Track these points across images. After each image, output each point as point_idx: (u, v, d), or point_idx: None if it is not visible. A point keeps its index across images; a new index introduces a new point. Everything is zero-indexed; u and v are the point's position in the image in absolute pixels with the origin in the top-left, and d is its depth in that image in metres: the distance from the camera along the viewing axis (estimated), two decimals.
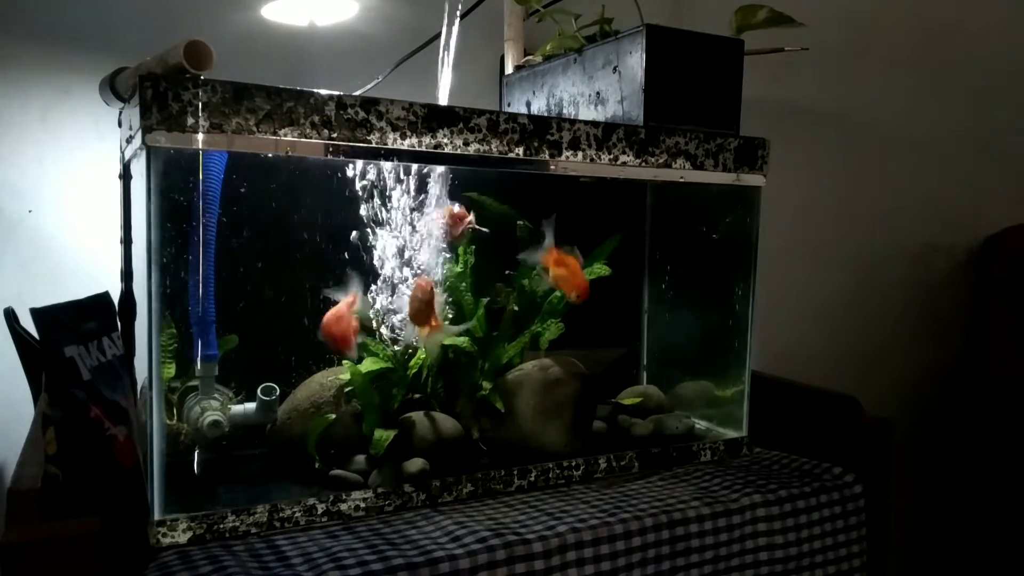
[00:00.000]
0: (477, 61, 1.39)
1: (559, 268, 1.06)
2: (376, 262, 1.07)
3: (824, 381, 1.22)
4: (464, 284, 1.10)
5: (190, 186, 0.92)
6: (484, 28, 1.30)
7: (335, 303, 0.97)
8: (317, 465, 0.97)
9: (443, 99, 1.12)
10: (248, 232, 1.03)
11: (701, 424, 1.22)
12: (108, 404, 0.79)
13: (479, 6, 1.26)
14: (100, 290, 0.86)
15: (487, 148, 0.93)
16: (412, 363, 1.05)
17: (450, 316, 1.08)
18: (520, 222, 1.15)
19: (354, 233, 1.05)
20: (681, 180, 1.06)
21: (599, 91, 1.11)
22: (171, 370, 0.97)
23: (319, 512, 0.88)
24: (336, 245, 1.08)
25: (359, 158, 0.87)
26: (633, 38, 1.05)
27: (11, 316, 0.90)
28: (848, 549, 1.03)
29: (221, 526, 0.83)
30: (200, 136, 0.78)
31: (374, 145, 0.87)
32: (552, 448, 1.05)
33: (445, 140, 0.90)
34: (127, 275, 1.02)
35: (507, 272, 1.15)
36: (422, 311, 0.98)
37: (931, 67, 1.90)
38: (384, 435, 0.97)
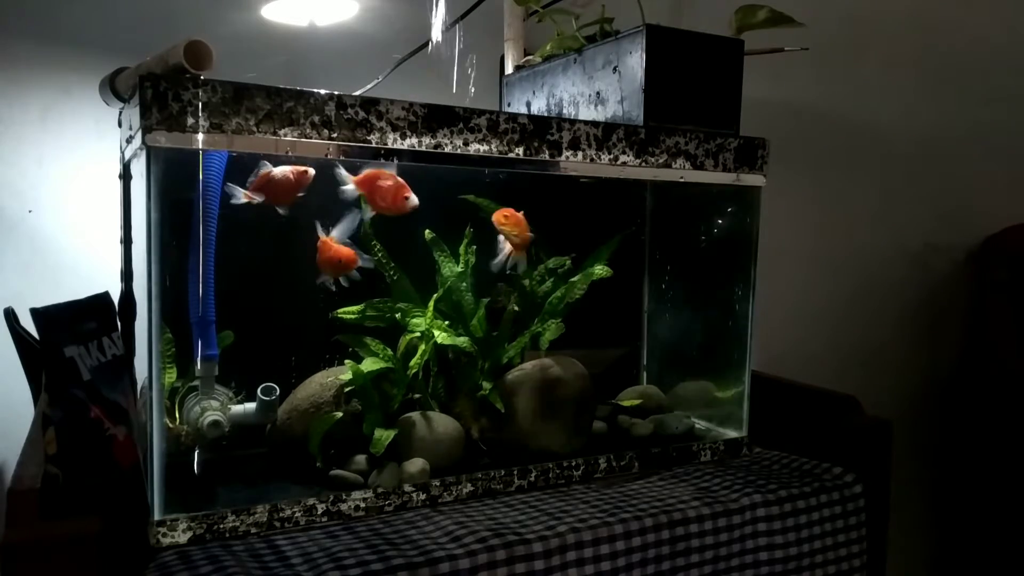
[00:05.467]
0: (477, 61, 1.39)
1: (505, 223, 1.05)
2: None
3: (824, 381, 1.22)
4: (464, 284, 1.10)
5: (190, 186, 0.92)
6: (484, 28, 1.30)
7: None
8: (319, 464, 0.97)
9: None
10: (248, 231, 1.03)
11: (701, 424, 1.22)
12: (108, 404, 0.79)
13: (479, 6, 1.26)
14: (100, 290, 0.86)
15: (487, 148, 0.93)
16: (412, 363, 1.05)
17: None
18: None
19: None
20: (681, 180, 1.06)
21: (599, 91, 1.11)
22: (172, 375, 0.97)
23: (319, 512, 0.88)
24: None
25: (359, 158, 0.87)
26: (633, 38, 1.05)
27: (11, 316, 0.90)
28: (848, 549, 1.03)
29: (221, 526, 0.83)
30: (200, 136, 0.78)
31: (374, 145, 0.87)
32: (552, 448, 1.05)
33: (445, 140, 0.90)
34: (127, 275, 1.02)
35: (508, 272, 1.15)
36: None
37: (931, 67, 1.90)
38: (384, 435, 0.97)
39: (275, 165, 0.92)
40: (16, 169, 1.15)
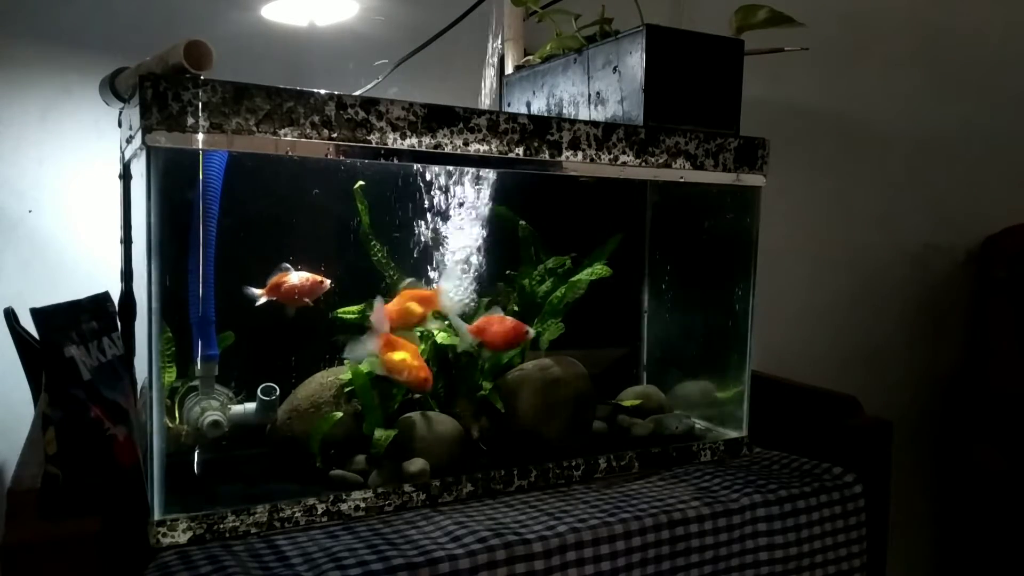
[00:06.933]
0: (477, 61, 1.39)
1: (393, 352, 0.97)
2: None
3: (824, 381, 1.22)
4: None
5: (190, 186, 0.92)
6: (484, 28, 1.30)
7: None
8: (319, 464, 0.97)
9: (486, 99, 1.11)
10: (248, 231, 1.03)
11: (701, 424, 1.22)
12: (108, 404, 0.79)
13: (479, 6, 1.26)
14: (100, 290, 0.85)
15: (487, 148, 0.93)
16: None
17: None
18: (521, 223, 1.15)
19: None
20: (681, 180, 1.06)
21: (599, 91, 1.11)
22: (172, 374, 0.97)
23: (319, 512, 0.88)
24: (335, 243, 1.09)
25: (359, 158, 0.87)
26: (633, 38, 1.05)
27: (11, 316, 0.90)
28: (848, 549, 1.03)
29: (221, 526, 0.83)
30: (200, 136, 0.78)
31: (374, 145, 0.87)
32: (552, 448, 1.05)
33: (445, 140, 0.90)
34: (127, 275, 1.02)
35: (507, 272, 1.15)
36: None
37: (931, 67, 1.90)
38: (384, 435, 0.97)
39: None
40: (16, 169, 1.15)
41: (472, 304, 1.09)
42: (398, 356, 0.96)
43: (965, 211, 1.98)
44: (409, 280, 1.05)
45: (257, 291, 0.99)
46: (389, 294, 1.06)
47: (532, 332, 1.05)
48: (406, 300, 1.01)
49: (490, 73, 1.09)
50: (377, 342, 0.97)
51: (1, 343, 0.91)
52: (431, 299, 1.01)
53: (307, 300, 0.99)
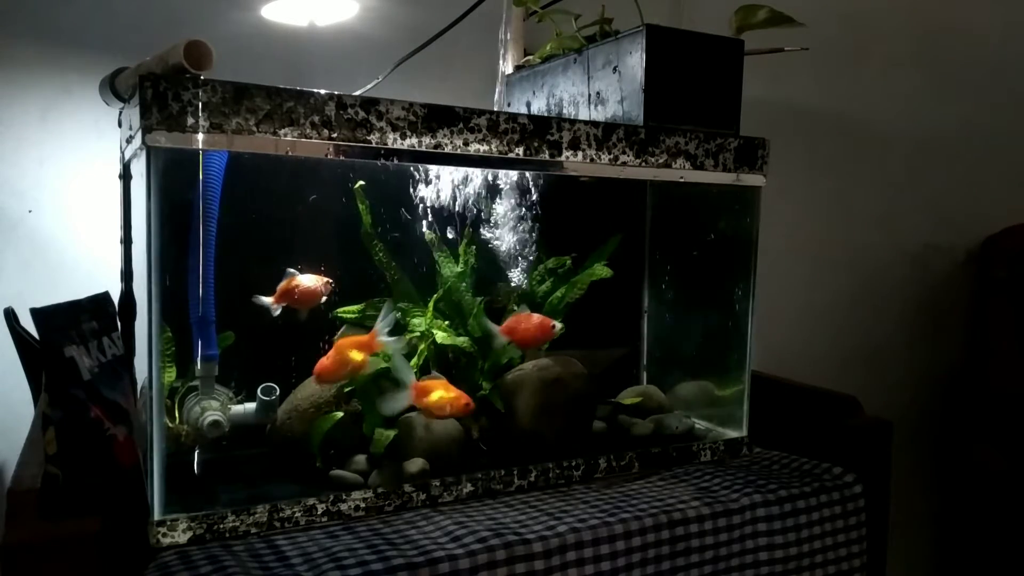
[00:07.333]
0: (477, 61, 1.39)
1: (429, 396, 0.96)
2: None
3: (824, 381, 1.22)
4: (464, 284, 1.10)
5: (190, 186, 0.92)
6: (484, 28, 1.30)
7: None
8: (319, 464, 0.97)
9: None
10: (248, 231, 1.03)
11: (701, 424, 1.22)
12: (108, 404, 0.79)
13: (479, 6, 1.26)
14: (100, 290, 0.86)
15: (487, 148, 0.93)
16: (412, 363, 1.05)
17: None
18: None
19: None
20: (681, 180, 1.06)
21: (599, 91, 1.11)
22: (172, 374, 0.97)
23: (319, 512, 0.88)
24: (335, 243, 1.09)
25: (359, 158, 0.87)
26: (633, 38, 1.05)
27: (11, 316, 0.90)
28: (848, 549, 1.03)
29: (221, 526, 0.83)
30: (200, 136, 0.78)
31: (374, 145, 0.87)
32: (552, 448, 1.05)
33: (445, 140, 0.90)
34: (127, 275, 1.02)
35: (507, 272, 1.15)
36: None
37: (931, 67, 1.90)
38: (384, 435, 0.97)
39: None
40: (16, 169, 1.15)
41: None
42: (435, 397, 0.96)
43: (965, 211, 1.98)
44: (344, 328, 1.04)
45: (266, 299, 0.98)
46: (392, 296, 1.06)
47: (559, 326, 1.05)
48: (343, 349, 0.97)
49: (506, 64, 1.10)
50: (410, 394, 0.96)
51: (1, 343, 0.91)
52: (368, 343, 0.98)
53: (321, 298, 0.99)
